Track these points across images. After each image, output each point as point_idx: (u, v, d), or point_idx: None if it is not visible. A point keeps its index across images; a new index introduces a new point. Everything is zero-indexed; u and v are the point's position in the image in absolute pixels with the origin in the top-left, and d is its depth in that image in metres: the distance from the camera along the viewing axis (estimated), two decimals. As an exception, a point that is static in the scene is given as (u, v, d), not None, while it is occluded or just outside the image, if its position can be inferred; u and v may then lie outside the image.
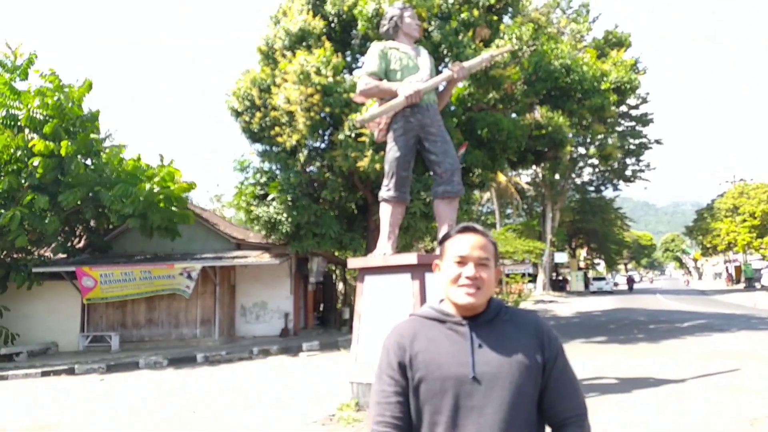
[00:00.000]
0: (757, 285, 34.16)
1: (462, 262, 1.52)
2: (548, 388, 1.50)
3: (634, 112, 36.59)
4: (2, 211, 12.32)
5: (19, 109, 13.09)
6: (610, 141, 31.02)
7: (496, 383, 1.43)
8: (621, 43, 20.74)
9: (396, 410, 1.47)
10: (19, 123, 13.07)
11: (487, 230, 1.62)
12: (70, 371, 11.28)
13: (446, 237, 1.62)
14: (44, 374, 11.10)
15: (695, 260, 66.23)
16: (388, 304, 6.06)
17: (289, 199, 13.29)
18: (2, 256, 13.78)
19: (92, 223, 15.66)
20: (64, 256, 15.22)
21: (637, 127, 37.81)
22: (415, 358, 1.48)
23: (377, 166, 11.18)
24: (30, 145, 12.48)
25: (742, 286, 39.56)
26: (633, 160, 39.51)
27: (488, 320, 1.53)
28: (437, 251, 6.20)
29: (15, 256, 14.22)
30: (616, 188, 42.33)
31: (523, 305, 23.74)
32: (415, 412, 1.47)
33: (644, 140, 38.43)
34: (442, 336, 1.51)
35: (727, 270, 49.07)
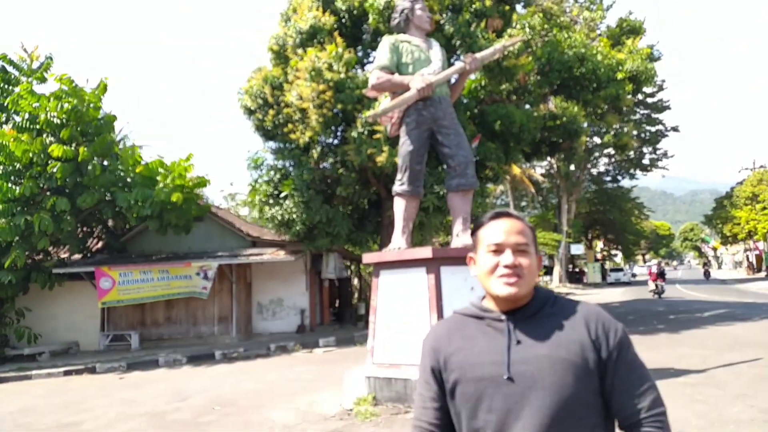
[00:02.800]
0: (780, 273, 33.58)
1: (498, 250, 1.38)
2: (614, 388, 1.30)
3: (650, 100, 36.06)
4: (27, 217, 12.52)
5: (38, 112, 13.28)
6: (625, 130, 30.62)
7: (535, 384, 1.27)
8: (635, 31, 20.40)
9: (432, 416, 1.40)
10: (37, 126, 13.26)
11: (523, 215, 1.48)
12: (92, 370, 11.46)
13: (478, 225, 1.47)
14: (66, 373, 11.29)
15: (715, 249, 65.27)
16: (403, 299, 6.05)
17: (301, 198, 13.32)
18: (24, 259, 14.04)
19: (110, 223, 15.87)
20: (81, 256, 15.45)
21: (653, 115, 37.27)
22: (449, 359, 1.37)
23: (395, 161, 11.16)
24: (50, 150, 12.65)
25: (763, 274, 38.91)
26: (650, 148, 38.99)
27: (531, 314, 1.37)
28: (452, 244, 6.10)
29: (36, 257, 14.46)
30: (633, 177, 41.81)
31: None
32: (455, 416, 1.37)
33: (660, 128, 37.89)
34: (478, 333, 1.39)
35: (747, 259, 48.29)
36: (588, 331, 1.33)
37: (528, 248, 1.39)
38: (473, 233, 1.49)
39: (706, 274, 42.57)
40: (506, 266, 1.36)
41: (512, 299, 1.37)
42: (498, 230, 1.40)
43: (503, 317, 1.38)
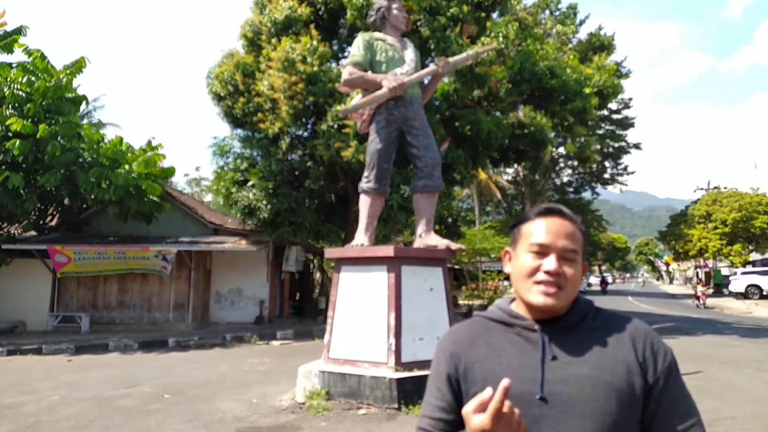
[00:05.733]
0: (725, 291, 35.04)
1: (541, 252, 1.18)
2: (655, 419, 1.13)
3: (615, 116, 37.13)
4: None
5: (1, 84, 12.74)
6: (588, 143, 31.47)
7: (572, 409, 1.09)
8: (605, 47, 20.97)
9: (438, 427, 1.19)
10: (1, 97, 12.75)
11: (575, 215, 1.25)
12: (38, 351, 11.10)
13: (522, 219, 1.26)
14: (10, 353, 10.90)
15: (667, 264, 67.69)
16: (362, 296, 6.09)
17: (269, 186, 13.21)
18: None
19: (66, 201, 15.37)
20: (35, 233, 14.92)
21: (617, 131, 38.37)
22: (470, 369, 1.18)
23: (361, 156, 11.19)
24: (8, 123, 12.15)
25: (710, 291, 40.59)
26: (612, 163, 40.11)
27: (569, 326, 1.19)
28: (415, 244, 6.16)
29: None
30: (594, 191, 42.96)
31: (497, 302, 23.96)
32: None
33: (623, 144, 39.04)
34: (506, 343, 1.20)
35: (697, 275, 50.22)
36: (635, 351, 1.15)
37: (576, 255, 1.19)
38: (515, 226, 1.28)
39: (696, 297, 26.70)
40: (547, 272, 1.16)
41: (547, 311, 1.18)
42: (545, 229, 1.20)
43: (537, 327, 1.19)
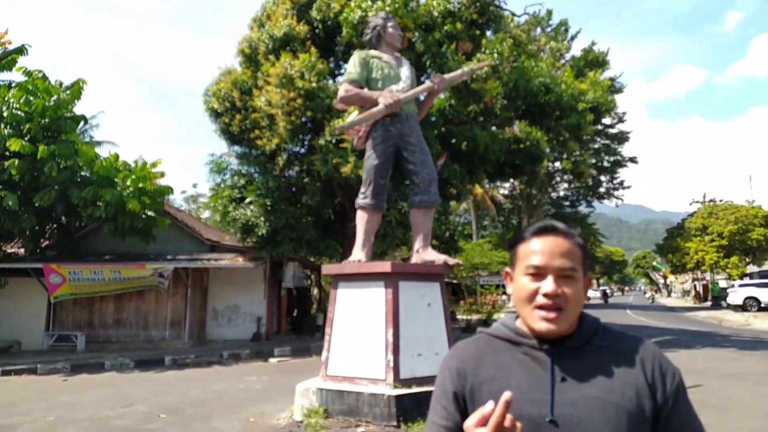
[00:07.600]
0: (723, 303, 34.98)
1: (538, 274, 1.15)
2: None
3: (610, 131, 37.39)
4: None
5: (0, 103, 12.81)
6: (583, 158, 31.65)
7: (583, 431, 1.08)
8: (599, 63, 21.18)
9: None
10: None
11: (573, 228, 1.22)
12: (33, 371, 10.98)
13: (518, 239, 1.23)
14: (5, 373, 10.78)
15: (665, 277, 67.68)
16: (360, 312, 6.06)
17: (267, 203, 13.22)
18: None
19: (63, 220, 15.34)
20: (30, 253, 14.86)
21: (612, 145, 38.62)
22: (478, 389, 1.15)
23: (360, 172, 11.22)
24: (8, 144, 12.17)
25: (708, 304, 40.50)
26: (607, 177, 40.31)
27: (577, 346, 1.16)
28: (412, 260, 6.13)
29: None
30: (589, 205, 43.11)
31: (495, 316, 23.89)
32: None
33: (618, 158, 39.26)
34: (514, 363, 1.17)
35: (695, 288, 50.20)
36: (644, 372, 1.14)
37: (575, 273, 1.16)
38: (512, 246, 1.25)
39: None
40: (546, 295, 1.14)
41: (551, 336, 1.16)
42: (539, 250, 1.17)
43: (544, 346, 1.17)
